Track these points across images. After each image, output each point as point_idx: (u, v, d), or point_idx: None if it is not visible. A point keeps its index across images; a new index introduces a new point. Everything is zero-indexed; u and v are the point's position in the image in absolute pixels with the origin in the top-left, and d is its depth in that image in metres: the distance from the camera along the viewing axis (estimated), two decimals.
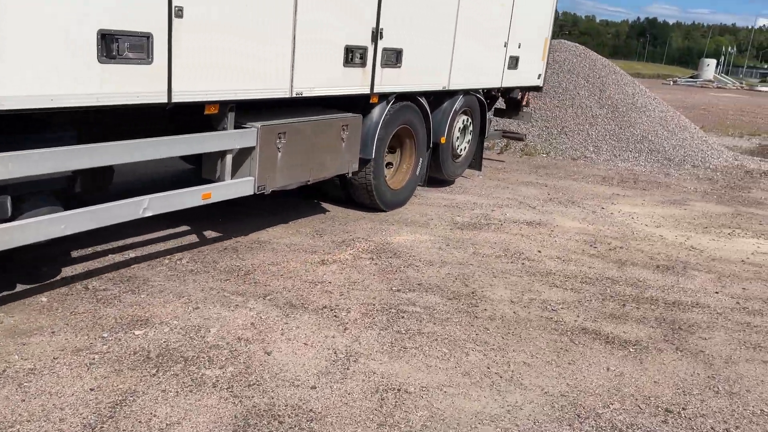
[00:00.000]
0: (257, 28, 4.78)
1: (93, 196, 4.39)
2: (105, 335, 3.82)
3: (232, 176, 5.10)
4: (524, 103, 10.08)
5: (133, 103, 4.05)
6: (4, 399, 3.13)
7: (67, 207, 4.08)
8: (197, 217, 5.90)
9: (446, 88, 7.49)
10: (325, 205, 7.15)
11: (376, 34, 6.06)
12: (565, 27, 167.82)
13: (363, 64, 6.00)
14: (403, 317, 4.44)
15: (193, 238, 5.67)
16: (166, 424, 3.05)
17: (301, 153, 5.59)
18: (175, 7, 4.07)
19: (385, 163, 7.11)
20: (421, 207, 7.49)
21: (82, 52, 3.67)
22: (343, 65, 5.76)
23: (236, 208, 6.30)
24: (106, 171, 4.57)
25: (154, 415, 3.11)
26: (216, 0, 4.40)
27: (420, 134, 7.32)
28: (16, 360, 3.48)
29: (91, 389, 3.27)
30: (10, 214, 3.77)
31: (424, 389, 3.56)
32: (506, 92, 9.64)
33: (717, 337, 4.60)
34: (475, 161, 9.09)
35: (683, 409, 3.62)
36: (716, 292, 5.51)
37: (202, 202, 4.84)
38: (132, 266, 4.93)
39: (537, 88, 10.04)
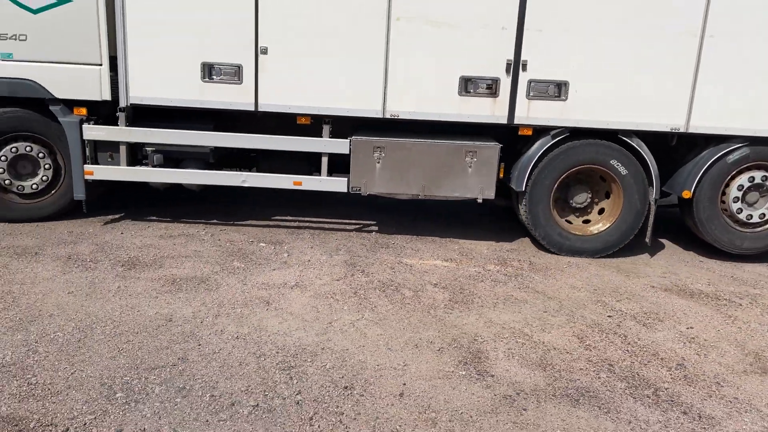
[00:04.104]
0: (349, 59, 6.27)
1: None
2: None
3: (329, 174, 6.68)
4: None
5: None
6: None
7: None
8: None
9: (680, 131, 6.35)
10: (514, 236, 7.18)
11: (516, 66, 6.18)
12: None
13: (493, 94, 6.25)
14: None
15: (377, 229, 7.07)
16: None
17: (406, 168, 6.45)
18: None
19: (579, 203, 6.78)
20: (617, 262, 6.53)
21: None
22: (459, 94, 6.26)
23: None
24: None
25: None
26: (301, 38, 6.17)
27: (626, 180, 6.48)
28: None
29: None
30: (157, 163, 6.51)
31: None
32: None
33: None
34: None
35: None
36: None
37: (293, 187, 6.61)
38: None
39: None
